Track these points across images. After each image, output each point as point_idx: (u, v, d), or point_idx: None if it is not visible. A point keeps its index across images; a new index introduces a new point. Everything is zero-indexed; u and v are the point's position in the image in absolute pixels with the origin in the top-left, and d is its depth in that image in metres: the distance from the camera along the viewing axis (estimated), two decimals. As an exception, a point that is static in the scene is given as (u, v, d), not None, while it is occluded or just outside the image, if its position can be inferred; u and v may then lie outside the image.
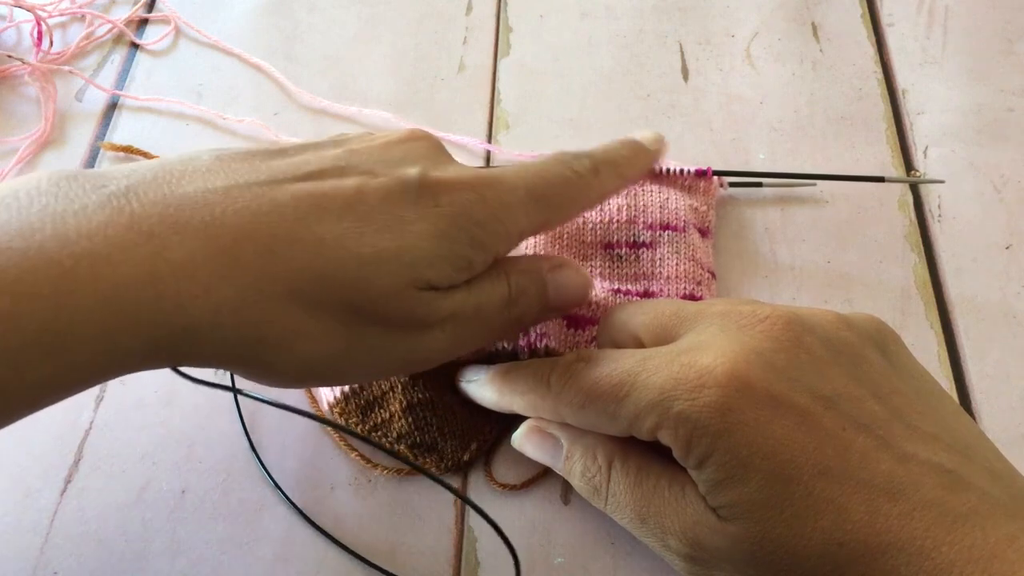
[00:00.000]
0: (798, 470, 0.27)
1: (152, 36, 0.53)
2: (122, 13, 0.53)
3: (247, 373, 0.29)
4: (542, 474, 0.36)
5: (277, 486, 0.36)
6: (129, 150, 0.46)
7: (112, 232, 0.25)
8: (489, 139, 0.48)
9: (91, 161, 0.47)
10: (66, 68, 0.50)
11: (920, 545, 0.25)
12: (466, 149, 0.47)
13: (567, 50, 0.52)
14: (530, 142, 0.47)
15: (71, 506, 0.36)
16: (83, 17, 0.53)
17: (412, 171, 0.31)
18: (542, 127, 0.48)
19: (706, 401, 0.28)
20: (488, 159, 0.47)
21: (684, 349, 0.29)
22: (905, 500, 0.26)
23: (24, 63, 0.50)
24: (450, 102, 0.50)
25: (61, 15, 0.53)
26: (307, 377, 0.31)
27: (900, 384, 0.30)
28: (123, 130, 0.48)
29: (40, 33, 0.51)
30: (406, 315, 0.30)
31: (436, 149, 0.34)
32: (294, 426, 0.38)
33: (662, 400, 0.28)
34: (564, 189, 0.33)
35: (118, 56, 0.52)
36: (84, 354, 0.25)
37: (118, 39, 0.53)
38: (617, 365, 0.30)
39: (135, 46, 0.52)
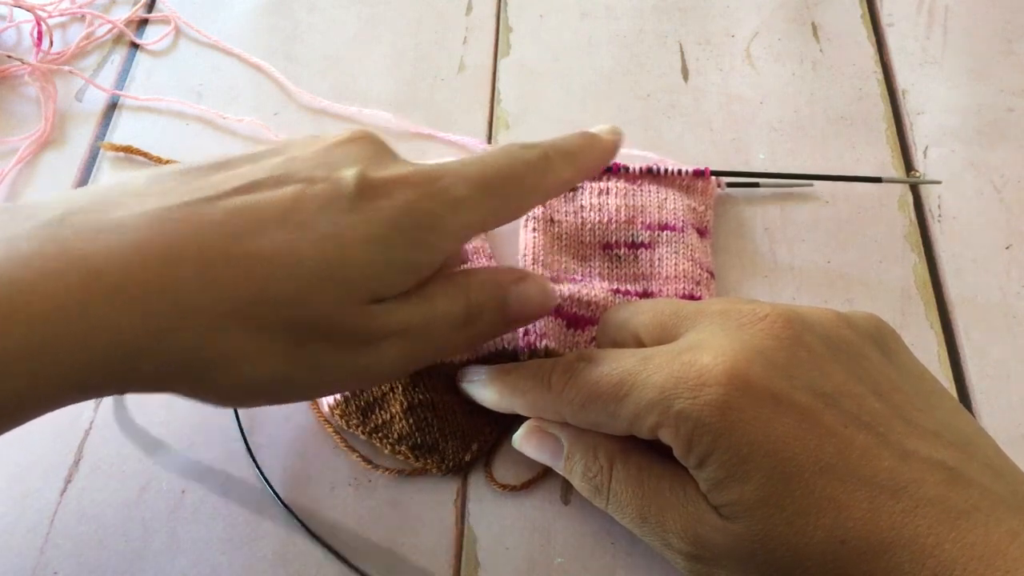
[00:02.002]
0: (799, 468, 0.27)
1: (152, 36, 0.53)
2: (122, 13, 0.53)
3: (192, 396, 0.29)
4: (542, 474, 0.36)
5: (272, 490, 0.36)
6: (129, 150, 0.46)
7: (42, 261, 0.25)
8: (489, 139, 0.48)
9: (91, 161, 0.47)
10: (66, 68, 0.50)
11: (923, 542, 0.25)
12: (466, 149, 0.47)
13: (567, 50, 0.52)
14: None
15: (71, 506, 0.36)
16: (83, 17, 0.53)
17: (350, 173, 0.30)
18: (542, 127, 0.48)
19: (707, 399, 0.28)
20: (488, 159, 0.47)
21: (684, 348, 0.29)
22: (907, 497, 0.26)
23: (24, 63, 0.50)
24: (450, 102, 0.50)
25: (61, 15, 0.53)
26: (253, 398, 0.30)
27: (900, 381, 0.30)
28: (123, 130, 0.48)
29: (40, 33, 0.51)
30: (352, 330, 0.29)
31: (378, 148, 0.32)
32: (294, 426, 0.38)
33: (663, 399, 0.28)
34: (512, 179, 0.32)
35: (118, 56, 0.52)
36: (17, 385, 0.24)
37: (118, 39, 0.53)
38: (617, 364, 0.30)
39: (135, 46, 0.52)
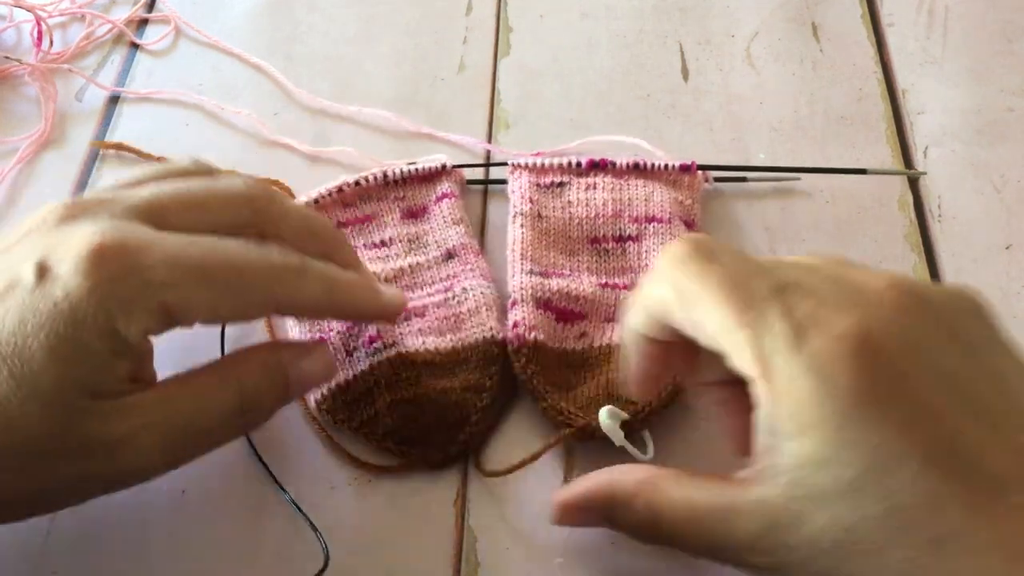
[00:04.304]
0: (906, 459, 0.25)
1: (152, 36, 0.53)
2: (122, 13, 0.53)
3: None
4: (531, 458, 0.36)
5: (279, 485, 0.36)
6: (120, 147, 0.46)
7: None
8: (489, 139, 0.48)
9: (91, 161, 0.47)
10: (66, 68, 0.50)
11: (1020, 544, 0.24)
12: (466, 149, 0.47)
13: (567, 50, 0.52)
14: (530, 142, 0.47)
15: (71, 506, 0.36)
16: (83, 17, 0.53)
17: (26, 270, 0.27)
18: (542, 127, 0.48)
19: (840, 376, 0.25)
20: (488, 159, 0.47)
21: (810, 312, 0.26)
22: (1014, 493, 0.24)
23: (24, 63, 0.50)
24: (450, 102, 0.50)
25: (61, 15, 0.53)
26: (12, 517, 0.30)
27: (1012, 372, 0.28)
28: (123, 130, 0.48)
29: (40, 33, 0.51)
30: (79, 438, 0.27)
31: (52, 223, 0.29)
32: (294, 426, 0.38)
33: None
34: (242, 272, 0.30)
35: (118, 56, 0.52)
36: None
37: (118, 39, 0.53)
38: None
39: (135, 46, 0.52)
